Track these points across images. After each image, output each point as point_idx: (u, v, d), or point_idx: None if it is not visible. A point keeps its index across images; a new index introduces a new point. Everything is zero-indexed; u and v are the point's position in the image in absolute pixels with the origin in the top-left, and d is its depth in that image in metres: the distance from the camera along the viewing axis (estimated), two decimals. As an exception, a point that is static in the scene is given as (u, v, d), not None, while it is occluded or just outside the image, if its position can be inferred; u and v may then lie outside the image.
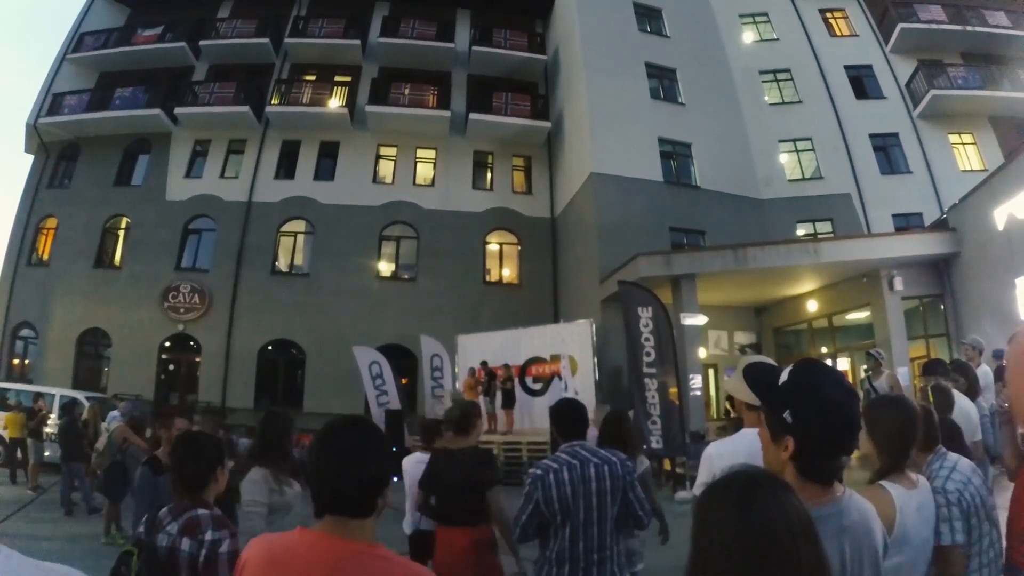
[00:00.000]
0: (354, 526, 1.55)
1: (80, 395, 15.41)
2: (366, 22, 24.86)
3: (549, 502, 3.09)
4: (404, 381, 19.02)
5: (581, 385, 14.38)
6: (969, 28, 22.22)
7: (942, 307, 14.54)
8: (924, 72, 21.35)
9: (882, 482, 2.16)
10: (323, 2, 25.20)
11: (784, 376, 1.66)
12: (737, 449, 2.68)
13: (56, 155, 23.54)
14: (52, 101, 23.17)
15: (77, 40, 24.54)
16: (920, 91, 21.19)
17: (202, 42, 23.87)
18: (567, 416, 3.45)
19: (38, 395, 14.66)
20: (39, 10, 74.87)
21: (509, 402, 15.13)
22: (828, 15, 24.06)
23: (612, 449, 3.40)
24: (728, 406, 15.51)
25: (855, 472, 2.36)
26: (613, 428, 4.48)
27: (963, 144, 21.36)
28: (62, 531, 9.02)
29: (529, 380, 16.42)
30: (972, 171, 19.70)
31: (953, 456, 2.60)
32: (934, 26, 22.23)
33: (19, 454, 13.16)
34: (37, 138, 23.23)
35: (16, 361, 22.08)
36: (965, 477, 2.48)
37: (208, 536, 2.46)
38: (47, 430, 13.25)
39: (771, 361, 2.71)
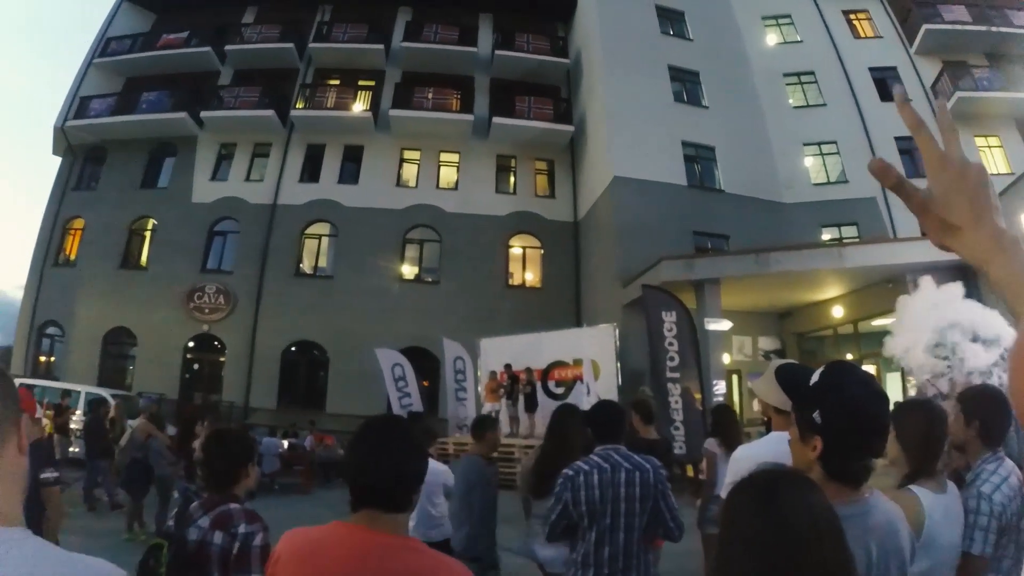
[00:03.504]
0: (388, 520, 1.58)
1: (106, 393, 15.61)
2: (389, 27, 24.97)
3: (577, 504, 3.07)
4: (425, 383, 19.08)
5: (603, 390, 14.30)
6: (993, 28, 21.96)
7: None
8: (949, 74, 21.12)
9: (911, 486, 2.16)
10: (346, 7, 25.41)
11: (815, 377, 1.68)
12: (764, 452, 2.67)
13: (83, 157, 23.90)
14: (79, 105, 23.52)
15: (104, 45, 24.89)
16: (946, 93, 20.91)
17: (227, 47, 24.11)
18: (603, 418, 3.42)
19: (65, 392, 14.86)
20: (65, 15, 75.98)
21: (531, 406, 15.13)
22: (851, 16, 23.85)
23: (647, 456, 3.33)
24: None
25: (882, 478, 2.35)
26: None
27: (989, 147, 21.08)
28: (84, 526, 9.08)
29: (552, 384, 16.42)
30: (998, 174, 19.42)
31: (1010, 464, 2.51)
32: (958, 27, 21.97)
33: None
34: (64, 141, 23.57)
35: (42, 359, 22.46)
36: (1013, 492, 2.41)
37: (241, 529, 2.50)
38: (72, 426, 13.46)
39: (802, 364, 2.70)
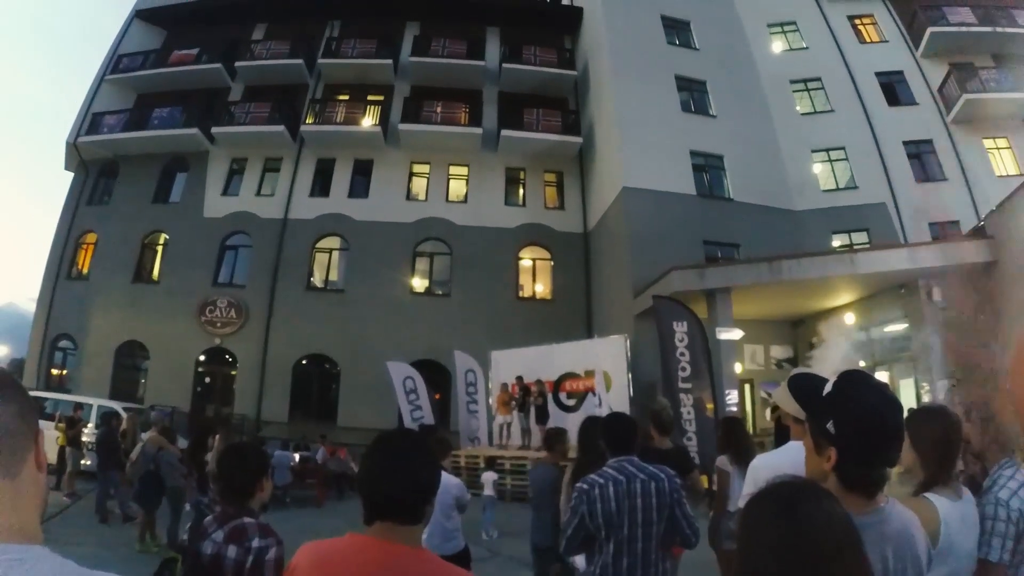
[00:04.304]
0: (402, 532, 1.60)
1: (118, 406, 15.68)
2: (397, 42, 25.15)
3: (594, 516, 3.07)
4: (437, 396, 19.08)
5: (615, 401, 14.28)
6: (999, 29, 21.86)
7: (981, 317, 14.24)
8: (956, 76, 21.05)
9: (927, 494, 2.15)
10: (355, 23, 25.66)
11: (828, 387, 1.68)
12: (782, 462, 2.68)
13: (96, 172, 24.15)
14: (92, 120, 23.80)
15: (115, 62, 25.19)
16: (953, 96, 20.87)
17: (237, 63, 24.35)
18: (616, 430, 3.40)
19: (77, 405, 14.93)
20: (75, 24, 76.89)
21: (543, 418, 15.09)
22: (857, 21, 23.83)
23: (660, 466, 3.33)
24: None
25: (895, 487, 2.34)
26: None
27: (998, 149, 20.97)
28: (97, 538, 9.11)
29: (563, 396, 16.41)
30: (1008, 176, 19.40)
31: None
32: (964, 29, 21.90)
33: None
34: (77, 156, 23.84)
35: (55, 371, 22.63)
36: None
37: (255, 543, 2.51)
38: (84, 439, 13.52)
39: (818, 373, 2.70)
